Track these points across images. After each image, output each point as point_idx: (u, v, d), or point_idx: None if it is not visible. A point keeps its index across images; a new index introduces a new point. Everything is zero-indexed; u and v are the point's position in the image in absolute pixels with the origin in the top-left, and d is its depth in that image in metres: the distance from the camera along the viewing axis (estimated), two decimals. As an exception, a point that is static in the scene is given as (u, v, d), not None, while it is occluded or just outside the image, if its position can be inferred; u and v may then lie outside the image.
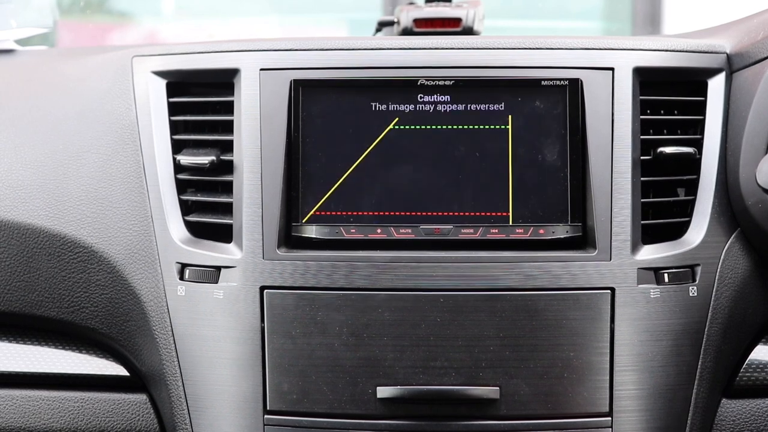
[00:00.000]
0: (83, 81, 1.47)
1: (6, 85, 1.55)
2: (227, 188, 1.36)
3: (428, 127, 1.33)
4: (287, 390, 1.30)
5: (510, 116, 1.32)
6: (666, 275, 1.30)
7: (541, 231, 1.31)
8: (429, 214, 1.32)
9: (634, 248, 1.30)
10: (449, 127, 1.33)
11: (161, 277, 1.34)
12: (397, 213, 1.32)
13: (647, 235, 1.33)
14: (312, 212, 1.32)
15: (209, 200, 1.36)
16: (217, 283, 1.32)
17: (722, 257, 1.33)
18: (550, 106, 1.32)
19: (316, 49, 1.35)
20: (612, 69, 1.33)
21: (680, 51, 1.36)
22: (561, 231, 1.31)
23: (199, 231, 1.36)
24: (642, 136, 1.33)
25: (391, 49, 1.35)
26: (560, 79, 1.32)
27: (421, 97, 1.33)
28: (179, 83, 1.40)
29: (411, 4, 1.80)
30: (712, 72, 1.36)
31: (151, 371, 1.39)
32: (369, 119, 1.33)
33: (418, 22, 1.72)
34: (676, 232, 1.34)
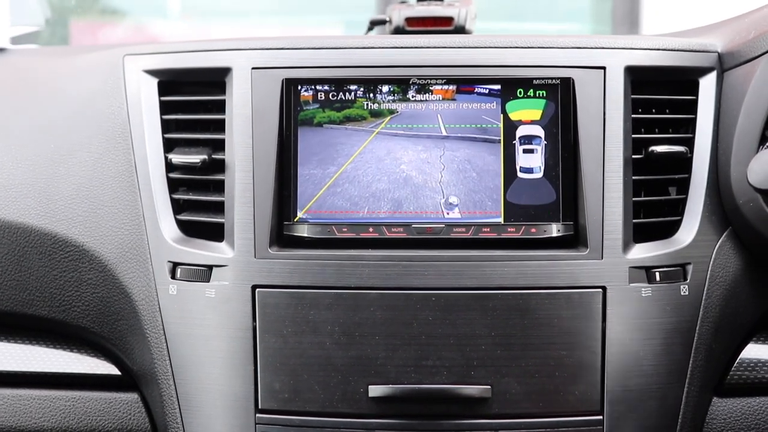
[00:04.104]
0: (75, 80, 1.47)
1: (-3, 84, 1.55)
2: (219, 187, 1.35)
3: (420, 125, 1.33)
4: (279, 389, 1.30)
5: (501, 115, 1.32)
6: (657, 274, 1.30)
7: (533, 230, 1.31)
8: (421, 213, 1.32)
9: (626, 247, 1.31)
10: (447, 125, 1.33)
11: (153, 276, 1.34)
12: (389, 212, 1.32)
13: (639, 233, 1.33)
14: (304, 211, 1.32)
15: (201, 199, 1.36)
16: (208, 282, 1.32)
17: (713, 256, 1.33)
18: (542, 105, 1.32)
19: (308, 48, 1.35)
20: (603, 68, 1.33)
21: (672, 50, 1.36)
22: (553, 230, 1.31)
23: (190, 230, 1.36)
24: (633, 135, 1.34)
25: (382, 48, 1.35)
26: (552, 78, 1.32)
27: (413, 96, 1.33)
28: (171, 82, 1.40)
29: (403, 2, 1.80)
30: (704, 71, 1.37)
31: (143, 370, 1.39)
32: (370, 116, 1.33)
33: (409, 20, 1.72)
34: (668, 231, 1.34)
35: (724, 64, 1.36)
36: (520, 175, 1.32)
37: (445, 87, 1.33)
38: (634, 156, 1.33)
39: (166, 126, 1.39)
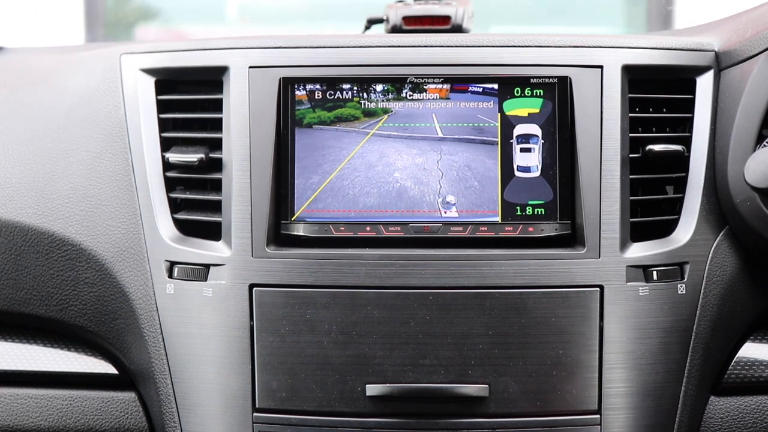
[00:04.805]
0: (72, 79, 1.47)
1: (-6, 83, 1.55)
2: (216, 186, 1.35)
3: (417, 124, 1.33)
4: (276, 388, 1.30)
5: (499, 114, 1.32)
6: (655, 273, 1.31)
7: (530, 229, 1.31)
8: (418, 212, 1.32)
9: (623, 246, 1.31)
10: (442, 124, 1.33)
11: (150, 275, 1.34)
12: (386, 211, 1.32)
13: (636, 232, 1.33)
14: (301, 210, 1.32)
15: (198, 198, 1.36)
16: (206, 281, 1.32)
17: (710, 255, 1.33)
18: (539, 104, 1.32)
19: (305, 47, 1.35)
20: (601, 67, 1.33)
21: (669, 49, 1.36)
22: (550, 229, 1.31)
23: (188, 229, 1.36)
24: (631, 134, 1.34)
25: (379, 46, 1.35)
26: (549, 77, 1.32)
27: (410, 95, 1.33)
28: (168, 81, 1.40)
29: (400, 1, 1.80)
30: (701, 70, 1.37)
31: (140, 369, 1.39)
32: (363, 116, 1.33)
33: (407, 19, 1.72)
34: (665, 230, 1.34)
35: (721, 63, 1.36)
36: (517, 174, 1.32)
37: (441, 86, 1.33)
38: (631, 155, 1.33)
39: (163, 125, 1.39)
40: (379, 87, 1.34)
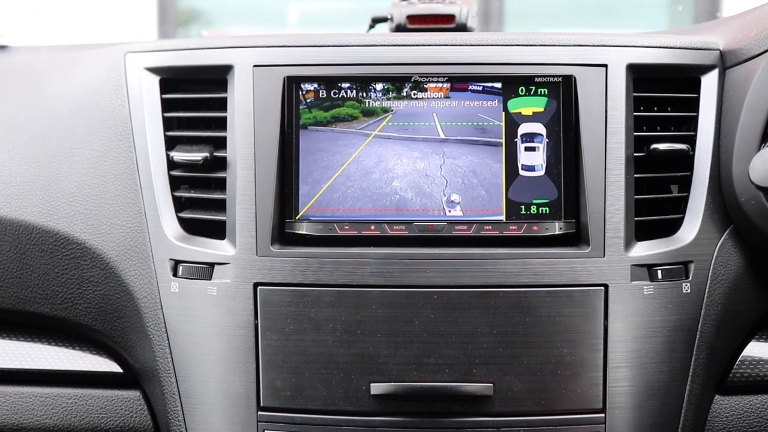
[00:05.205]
0: (76, 77, 1.47)
1: (-1, 82, 1.55)
2: (221, 185, 1.35)
3: (422, 123, 1.33)
4: (281, 387, 1.30)
5: (503, 113, 1.32)
6: (659, 272, 1.30)
7: (535, 228, 1.31)
8: (423, 210, 1.32)
9: (628, 245, 1.30)
10: (443, 123, 1.33)
11: (154, 274, 1.34)
12: (391, 210, 1.32)
13: (641, 231, 1.33)
14: (305, 209, 1.32)
15: (202, 197, 1.36)
16: (210, 279, 1.32)
17: (715, 254, 1.33)
18: (544, 103, 1.32)
19: (310, 46, 1.35)
20: (605, 66, 1.33)
21: (673, 48, 1.36)
22: (554, 228, 1.31)
23: (192, 228, 1.36)
24: (635, 133, 1.34)
25: (384, 45, 1.35)
26: (554, 76, 1.32)
27: (414, 94, 1.33)
28: (173, 80, 1.40)
29: (404, 0, 1.80)
30: (705, 69, 1.36)
31: (145, 368, 1.39)
32: (362, 116, 1.33)
33: (411, 18, 1.72)
34: (670, 228, 1.34)
35: (726, 62, 1.36)
36: (521, 173, 1.32)
37: (445, 85, 1.33)
38: (636, 154, 1.33)
39: (168, 124, 1.39)
40: (379, 86, 1.33)
